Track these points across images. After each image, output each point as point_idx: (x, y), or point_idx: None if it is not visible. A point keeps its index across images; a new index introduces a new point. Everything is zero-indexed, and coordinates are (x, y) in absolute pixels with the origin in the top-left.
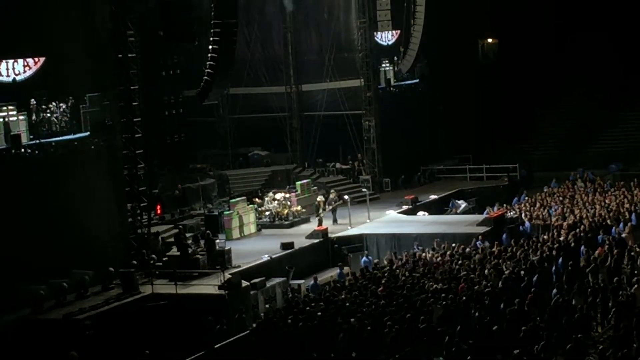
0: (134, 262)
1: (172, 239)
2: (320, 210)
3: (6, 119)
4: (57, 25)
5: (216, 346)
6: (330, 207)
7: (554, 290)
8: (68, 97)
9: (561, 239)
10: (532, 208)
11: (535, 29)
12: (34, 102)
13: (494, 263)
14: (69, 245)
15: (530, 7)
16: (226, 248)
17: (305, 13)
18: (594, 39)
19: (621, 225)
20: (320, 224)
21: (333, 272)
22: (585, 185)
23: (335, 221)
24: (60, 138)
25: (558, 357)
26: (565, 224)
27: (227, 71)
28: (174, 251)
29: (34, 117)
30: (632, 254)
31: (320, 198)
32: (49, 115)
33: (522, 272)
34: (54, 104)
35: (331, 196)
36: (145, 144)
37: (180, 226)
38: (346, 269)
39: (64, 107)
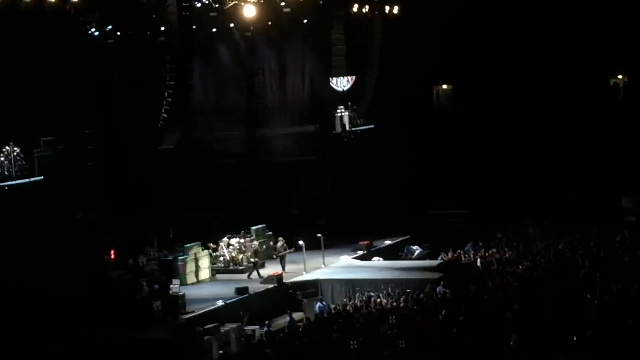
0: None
1: (125, 285)
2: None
3: None
4: (11, 67)
5: None
6: (279, 255)
7: (512, 337)
8: (22, 140)
9: (515, 284)
10: (486, 253)
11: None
12: None
13: (448, 309)
14: (19, 292)
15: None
16: (180, 293)
17: (260, 58)
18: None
19: (575, 270)
20: (252, 271)
21: (287, 318)
22: (539, 230)
23: (283, 269)
24: (13, 182)
25: None
26: (519, 269)
27: (182, 116)
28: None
29: None
30: (585, 300)
31: (255, 244)
32: (2, 158)
33: (478, 318)
34: (7, 147)
35: (279, 244)
36: (100, 189)
37: (134, 271)
38: (300, 315)
39: (17, 150)
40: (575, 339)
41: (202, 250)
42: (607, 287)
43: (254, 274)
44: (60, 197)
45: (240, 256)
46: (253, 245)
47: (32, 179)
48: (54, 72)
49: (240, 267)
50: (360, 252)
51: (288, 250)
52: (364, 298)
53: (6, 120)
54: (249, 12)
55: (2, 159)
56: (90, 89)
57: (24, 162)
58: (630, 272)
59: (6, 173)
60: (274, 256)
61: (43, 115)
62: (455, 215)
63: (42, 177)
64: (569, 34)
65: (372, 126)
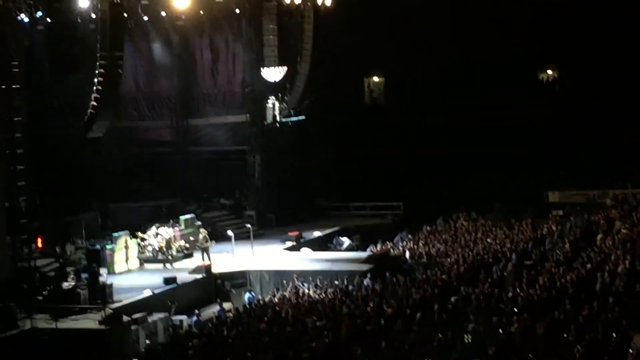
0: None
1: (52, 273)
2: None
3: None
4: None
5: None
6: (201, 247)
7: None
8: None
9: (443, 277)
10: (415, 246)
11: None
12: None
13: (376, 301)
14: None
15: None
16: (108, 282)
17: (192, 47)
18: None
19: (502, 264)
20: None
21: (216, 308)
22: (467, 224)
23: (208, 260)
24: None
25: None
26: (447, 262)
27: (113, 104)
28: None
29: None
30: (512, 293)
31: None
32: None
33: (407, 311)
34: None
35: (200, 236)
36: (28, 177)
37: (61, 260)
38: (229, 305)
39: None
40: (501, 331)
41: (131, 239)
42: (534, 281)
43: (169, 265)
44: None
45: (167, 246)
46: (200, 235)
47: None
48: None
49: (169, 257)
50: (289, 243)
51: (209, 243)
52: (292, 289)
53: None
54: (181, 1)
55: None
56: (20, 76)
57: None
58: (557, 266)
59: None
60: (196, 247)
61: None
62: (385, 207)
63: None
64: (499, 29)
65: (302, 117)
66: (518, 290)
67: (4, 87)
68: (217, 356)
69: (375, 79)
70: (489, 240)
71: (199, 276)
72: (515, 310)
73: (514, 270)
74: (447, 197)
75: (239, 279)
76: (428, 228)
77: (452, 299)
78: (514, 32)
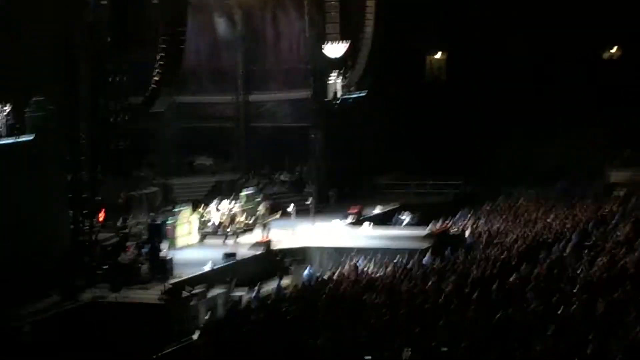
0: (75, 269)
1: (112, 247)
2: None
3: None
4: (1, 28)
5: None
6: (261, 223)
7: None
8: (12, 100)
9: (503, 256)
10: (475, 224)
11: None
12: None
13: (435, 279)
14: (7, 251)
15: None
16: (168, 257)
17: (254, 23)
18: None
19: (562, 243)
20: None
21: (275, 284)
22: (528, 202)
23: (267, 235)
24: (3, 142)
25: None
26: (507, 240)
27: (174, 79)
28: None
29: None
30: (572, 273)
31: (236, 208)
32: None
33: (466, 289)
34: None
35: (261, 212)
36: (90, 151)
37: (121, 234)
38: (288, 281)
39: (7, 110)
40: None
41: (192, 214)
42: (594, 261)
43: (228, 240)
44: (51, 157)
45: (230, 221)
46: (232, 211)
47: (22, 139)
48: (45, 34)
49: (229, 232)
50: (350, 220)
51: (272, 216)
52: (352, 266)
53: None
54: None
55: None
56: (82, 51)
57: (14, 122)
58: (618, 246)
59: None
60: (257, 223)
61: (34, 75)
62: (446, 185)
63: (32, 136)
64: (563, 7)
65: (363, 94)
66: (578, 270)
67: (66, 62)
68: (275, 332)
69: (438, 55)
70: (549, 219)
71: (258, 252)
72: (575, 290)
73: (574, 250)
74: (508, 175)
75: (299, 255)
76: (489, 206)
77: (512, 278)
78: (577, 12)
